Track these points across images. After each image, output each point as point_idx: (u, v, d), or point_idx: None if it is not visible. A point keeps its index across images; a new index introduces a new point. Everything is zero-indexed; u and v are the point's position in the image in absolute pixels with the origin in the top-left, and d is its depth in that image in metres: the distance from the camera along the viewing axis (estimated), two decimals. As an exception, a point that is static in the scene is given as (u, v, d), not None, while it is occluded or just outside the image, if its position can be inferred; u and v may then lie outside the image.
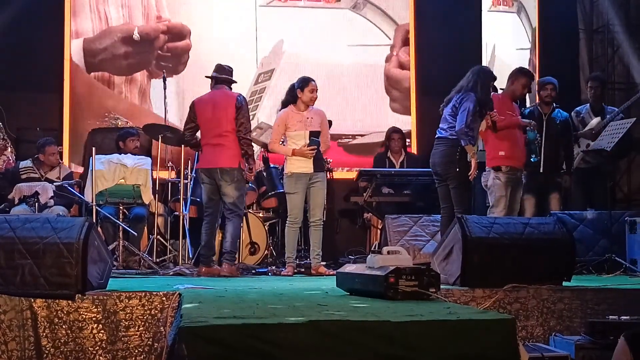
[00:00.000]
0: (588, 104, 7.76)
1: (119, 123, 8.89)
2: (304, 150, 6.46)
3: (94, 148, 6.99)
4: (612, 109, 7.76)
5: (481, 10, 9.45)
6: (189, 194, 7.27)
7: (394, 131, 8.55)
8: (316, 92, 6.61)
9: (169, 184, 7.66)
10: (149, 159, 7.32)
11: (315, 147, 6.46)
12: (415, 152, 9.04)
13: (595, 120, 7.53)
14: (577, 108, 7.81)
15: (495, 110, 6.47)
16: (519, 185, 6.63)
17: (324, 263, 6.72)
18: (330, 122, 6.92)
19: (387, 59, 8.28)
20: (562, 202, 7.34)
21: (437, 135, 6.36)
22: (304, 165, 6.51)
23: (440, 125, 6.39)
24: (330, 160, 7.77)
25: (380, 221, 7.67)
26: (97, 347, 4.08)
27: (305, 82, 6.60)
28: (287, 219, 6.61)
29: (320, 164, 6.62)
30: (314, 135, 6.52)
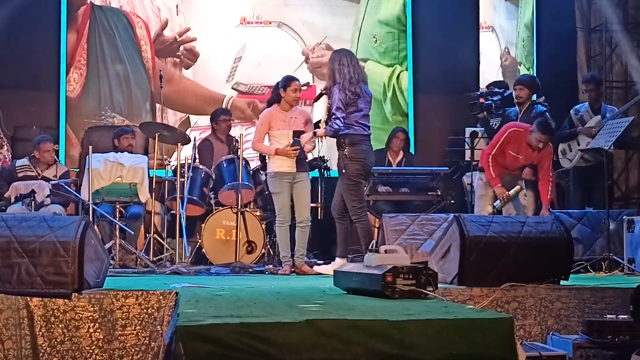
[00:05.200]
0: (587, 103, 7.74)
1: (115, 121, 8.89)
2: (287, 150, 6.40)
3: (90, 146, 6.97)
4: (611, 108, 7.73)
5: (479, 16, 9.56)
6: (185, 192, 7.25)
7: (399, 130, 8.54)
8: (299, 91, 6.55)
9: (166, 182, 7.65)
10: (146, 157, 7.31)
11: (298, 147, 6.42)
12: (412, 152, 9.05)
13: (595, 119, 7.51)
14: (576, 106, 7.79)
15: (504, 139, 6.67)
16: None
17: (320, 261, 6.75)
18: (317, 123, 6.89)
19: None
20: (560, 202, 7.36)
21: (369, 134, 6.27)
22: (287, 165, 6.47)
23: (368, 124, 6.28)
24: (329, 159, 7.76)
25: (377, 220, 7.66)
26: (94, 346, 4.06)
27: (287, 82, 6.53)
28: (276, 219, 6.61)
29: (303, 163, 6.58)
30: (298, 135, 6.47)
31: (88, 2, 8.62)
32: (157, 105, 8.62)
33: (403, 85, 9.47)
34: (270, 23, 8.64)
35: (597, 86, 7.80)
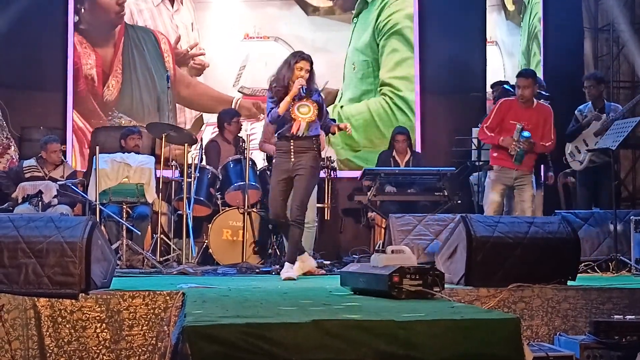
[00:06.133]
0: (590, 102, 7.71)
1: (122, 122, 8.95)
2: None
3: (97, 147, 6.99)
4: (615, 105, 7.69)
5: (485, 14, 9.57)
6: (192, 192, 7.26)
7: (398, 132, 8.52)
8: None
9: (173, 182, 7.66)
10: (153, 157, 7.32)
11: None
12: (419, 151, 9.06)
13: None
14: (580, 107, 7.76)
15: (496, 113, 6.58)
16: (517, 185, 6.64)
17: (327, 261, 6.74)
18: None
19: None
20: (567, 202, 7.32)
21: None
22: None
23: None
24: (335, 159, 7.77)
25: (384, 220, 7.65)
26: (101, 347, 4.07)
27: None
28: None
29: None
30: None
31: (123, 22, 9.84)
32: (177, 105, 9.71)
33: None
34: (269, 38, 10.09)
35: (597, 84, 7.70)
